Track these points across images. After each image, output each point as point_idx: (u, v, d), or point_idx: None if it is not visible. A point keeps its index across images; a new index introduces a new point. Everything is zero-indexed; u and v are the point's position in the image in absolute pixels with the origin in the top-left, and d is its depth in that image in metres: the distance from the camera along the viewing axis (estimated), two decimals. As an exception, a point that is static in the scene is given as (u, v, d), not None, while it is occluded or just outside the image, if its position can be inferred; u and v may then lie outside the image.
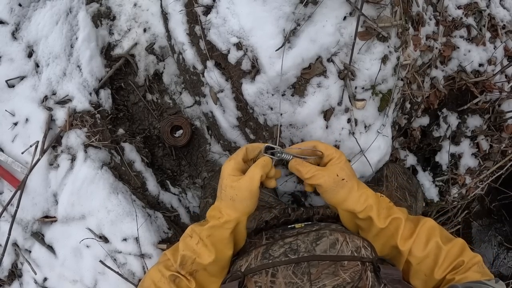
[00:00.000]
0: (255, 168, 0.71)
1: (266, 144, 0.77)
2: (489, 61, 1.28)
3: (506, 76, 1.31)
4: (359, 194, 0.72)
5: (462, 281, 0.62)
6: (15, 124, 1.07)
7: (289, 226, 0.79)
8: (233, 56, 0.94)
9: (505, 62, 1.30)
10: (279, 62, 0.88)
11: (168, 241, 1.11)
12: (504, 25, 1.30)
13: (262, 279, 0.61)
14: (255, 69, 0.93)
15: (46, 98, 1.08)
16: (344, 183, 0.72)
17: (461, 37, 1.26)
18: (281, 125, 0.97)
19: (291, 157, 0.77)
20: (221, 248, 0.71)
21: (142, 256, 1.03)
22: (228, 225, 0.71)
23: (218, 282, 0.72)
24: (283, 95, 0.93)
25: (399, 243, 0.68)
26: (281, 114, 0.95)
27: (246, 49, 0.91)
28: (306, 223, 0.81)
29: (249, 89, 0.95)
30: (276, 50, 0.86)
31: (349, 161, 1.07)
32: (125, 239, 1.03)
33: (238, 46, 0.92)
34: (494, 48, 1.28)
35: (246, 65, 0.93)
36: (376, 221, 0.70)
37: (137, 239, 1.03)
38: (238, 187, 0.69)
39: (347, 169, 0.74)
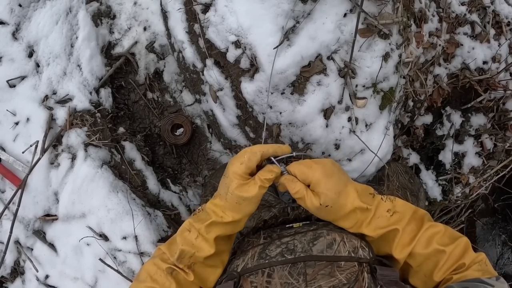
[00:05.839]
0: (268, 178, 0.69)
1: (273, 159, 0.73)
2: (493, 59, 1.26)
3: (510, 74, 1.29)
4: (347, 213, 0.68)
5: (460, 280, 0.60)
6: (16, 123, 1.08)
7: (287, 226, 0.79)
8: (232, 54, 0.93)
9: (510, 60, 1.27)
10: (279, 60, 0.87)
11: (167, 239, 1.11)
12: (509, 22, 1.27)
13: (258, 279, 0.61)
14: (254, 68, 0.92)
15: (46, 97, 1.09)
16: (329, 209, 0.68)
17: (465, 34, 1.24)
18: (280, 124, 0.96)
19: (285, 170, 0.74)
20: (221, 243, 0.71)
21: (141, 254, 1.04)
22: (230, 225, 0.71)
23: (217, 272, 0.72)
24: (282, 93, 0.93)
25: (394, 252, 0.67)
26: (272, 108, 0.94)
27: (245, 47, 0.90)
28: (304, 222, 0.80)
29: (248, 88, 0.95)
30: (274, 48, 0.85)
31: (350, 160, 1.07)
32: (124, 238, 1.04)
33: (237, 44, 0.91)
34: (498, 45, 1.26)
35: (245, 63, 0.93)
36: (369, 233, 0.68)
37: (136, 238, 1.04)
38: (247, 196, 0.68)
39: (330, 191, 0.67)
